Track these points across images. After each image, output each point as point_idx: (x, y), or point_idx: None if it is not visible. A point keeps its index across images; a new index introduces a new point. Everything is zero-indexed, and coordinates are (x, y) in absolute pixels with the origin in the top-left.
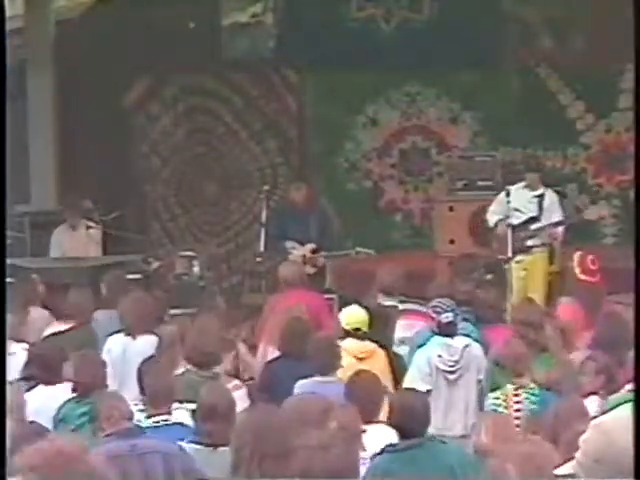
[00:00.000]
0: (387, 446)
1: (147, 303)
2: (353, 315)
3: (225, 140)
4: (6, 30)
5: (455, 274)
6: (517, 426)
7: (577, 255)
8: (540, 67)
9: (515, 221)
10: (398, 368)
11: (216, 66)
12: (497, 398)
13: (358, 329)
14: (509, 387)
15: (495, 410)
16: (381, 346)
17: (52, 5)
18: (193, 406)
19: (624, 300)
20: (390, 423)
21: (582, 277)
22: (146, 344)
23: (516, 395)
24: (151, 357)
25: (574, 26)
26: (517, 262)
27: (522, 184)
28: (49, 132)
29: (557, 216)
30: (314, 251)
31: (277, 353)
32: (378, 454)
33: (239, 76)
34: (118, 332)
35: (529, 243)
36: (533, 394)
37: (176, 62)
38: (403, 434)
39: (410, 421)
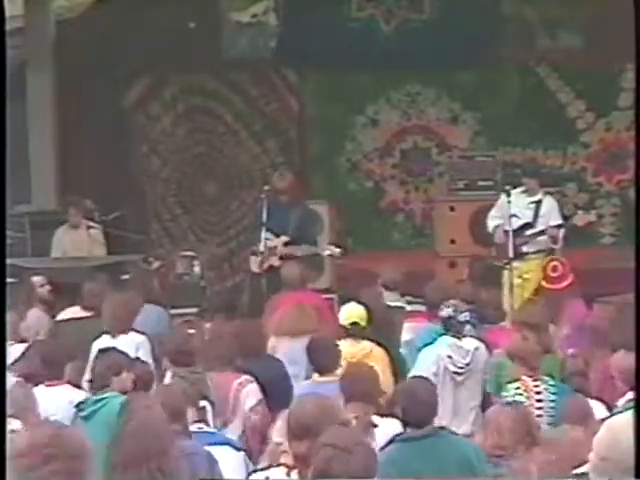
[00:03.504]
0: (396, 435)
1: (125, 303)
2: (351, 310)
3: (225, 140)
4: (6, 30)
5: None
6: (539, 415)
7: (545, 262)
8: (540, 67)
9: (513, 226)
10: (400, 368)
11: (216, 66)
12: (518, 388)
13: (356, 323)
14: (527, 379)
15: (516, 400)
16: (380, 345)
17: (52, 5)
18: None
19: (623, 301)
20: (399, 412)
21: (547, 286)
22: (129, 343)
23: (536, 386)
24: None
25: (574, 26)
26: (513, 269)
27: (521, 189)
28: (49, 132)
29: (555, 222)
30: (286, 244)
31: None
32: (387, 444)
33: (239, 76)
34: (103, 334)
35: (524, 249)
36: (551, 385)
37: (176, 62)
38: (410, 423)
39: (418, 410)
